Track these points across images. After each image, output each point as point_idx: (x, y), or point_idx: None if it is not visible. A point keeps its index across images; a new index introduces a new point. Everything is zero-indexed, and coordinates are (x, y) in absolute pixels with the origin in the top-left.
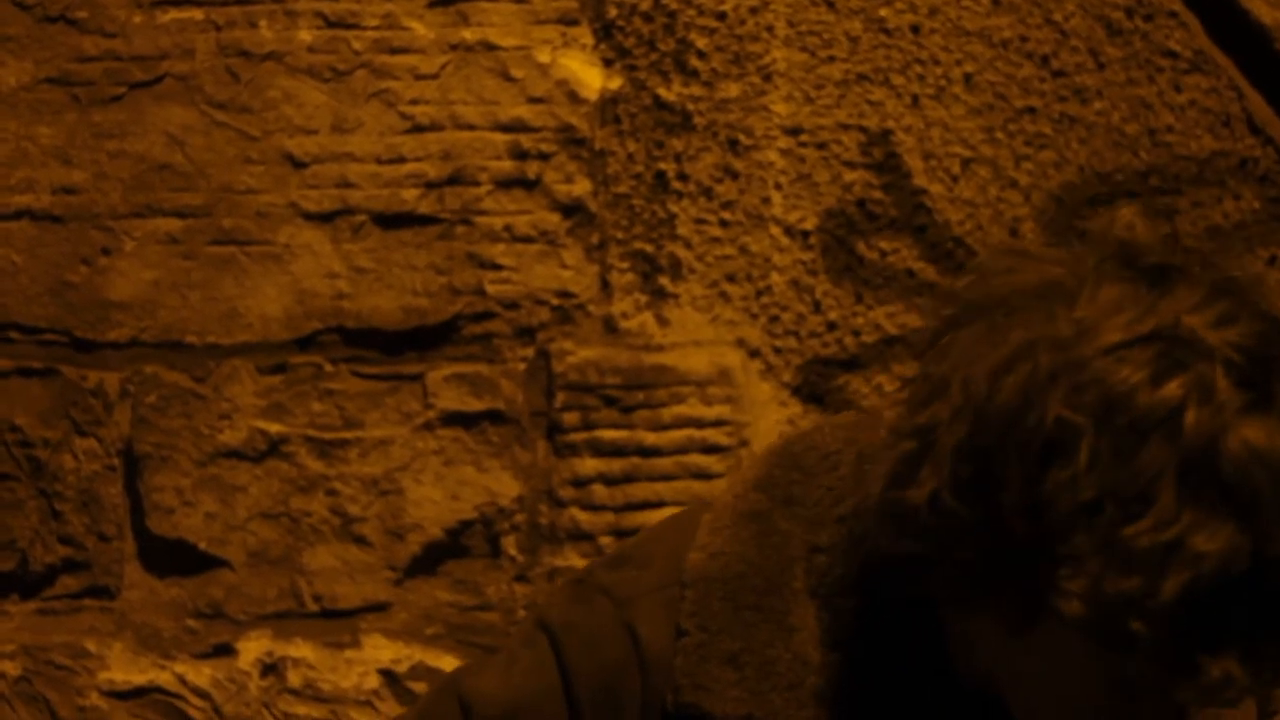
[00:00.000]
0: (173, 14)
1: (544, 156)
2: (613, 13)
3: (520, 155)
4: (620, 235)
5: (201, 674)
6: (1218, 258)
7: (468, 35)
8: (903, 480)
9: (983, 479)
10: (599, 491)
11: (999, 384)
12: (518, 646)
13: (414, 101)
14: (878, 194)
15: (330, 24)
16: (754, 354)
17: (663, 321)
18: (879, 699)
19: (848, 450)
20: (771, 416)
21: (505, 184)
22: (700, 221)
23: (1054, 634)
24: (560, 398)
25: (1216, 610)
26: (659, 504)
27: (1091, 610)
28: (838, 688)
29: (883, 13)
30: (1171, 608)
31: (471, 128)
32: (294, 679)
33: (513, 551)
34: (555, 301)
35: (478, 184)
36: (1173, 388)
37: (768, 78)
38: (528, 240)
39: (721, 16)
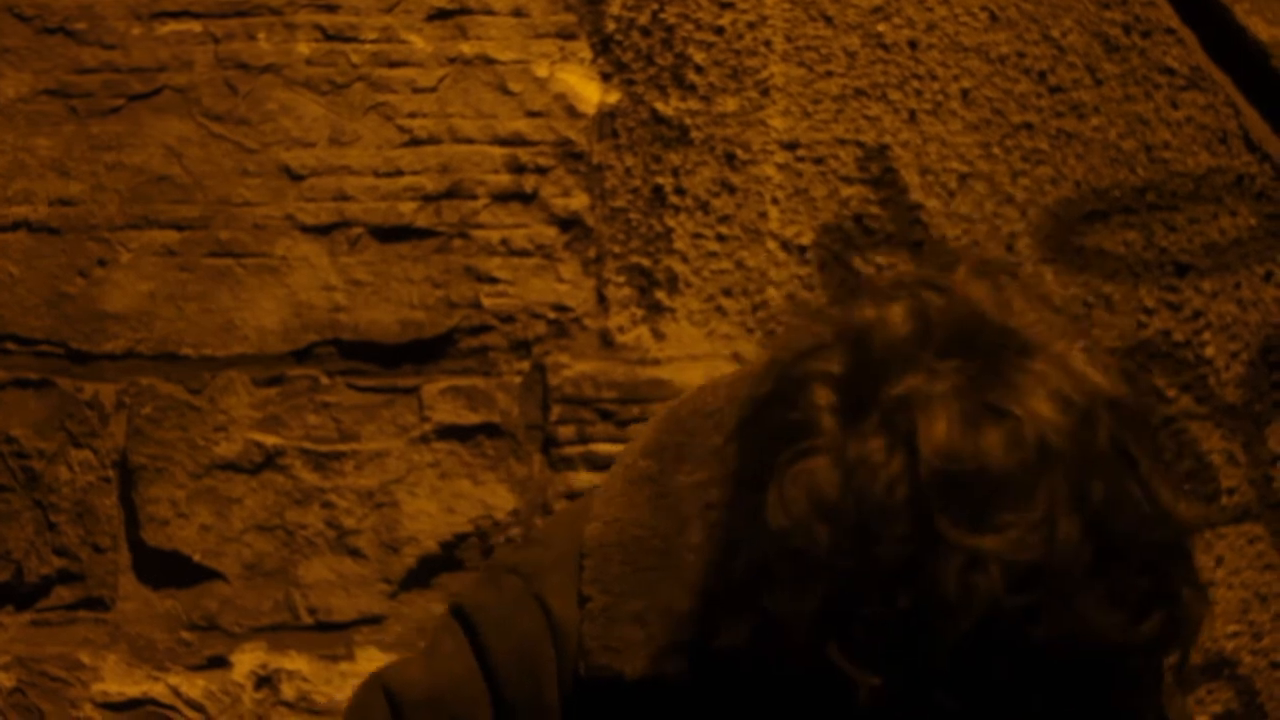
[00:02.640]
0: (171, 26)
1: (541, 170)
2: (611, 27)
3: (518, 169)
4: (617, 249)
5: (195, 686)
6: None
7: (466, 49)
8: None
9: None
10: None
11: (769, 564)
12: (438, 635)
13: (412, 115)
14: (874, 209)
15: (328, 37)
16: None
17: (659, 335)
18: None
19: (729, 407)
20: None
21: (502, 197)
22: (697, 236)
23: None
24: (556, 411)
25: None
26: None
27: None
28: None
29: (880, 28)
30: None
31: (469, 141)
32: (288, 691)
33: None
34: (551, 315)
35: (475, 197)
36: (960, 621)
37: (765, 92)
38: (524, 254)
39: (719, 31)
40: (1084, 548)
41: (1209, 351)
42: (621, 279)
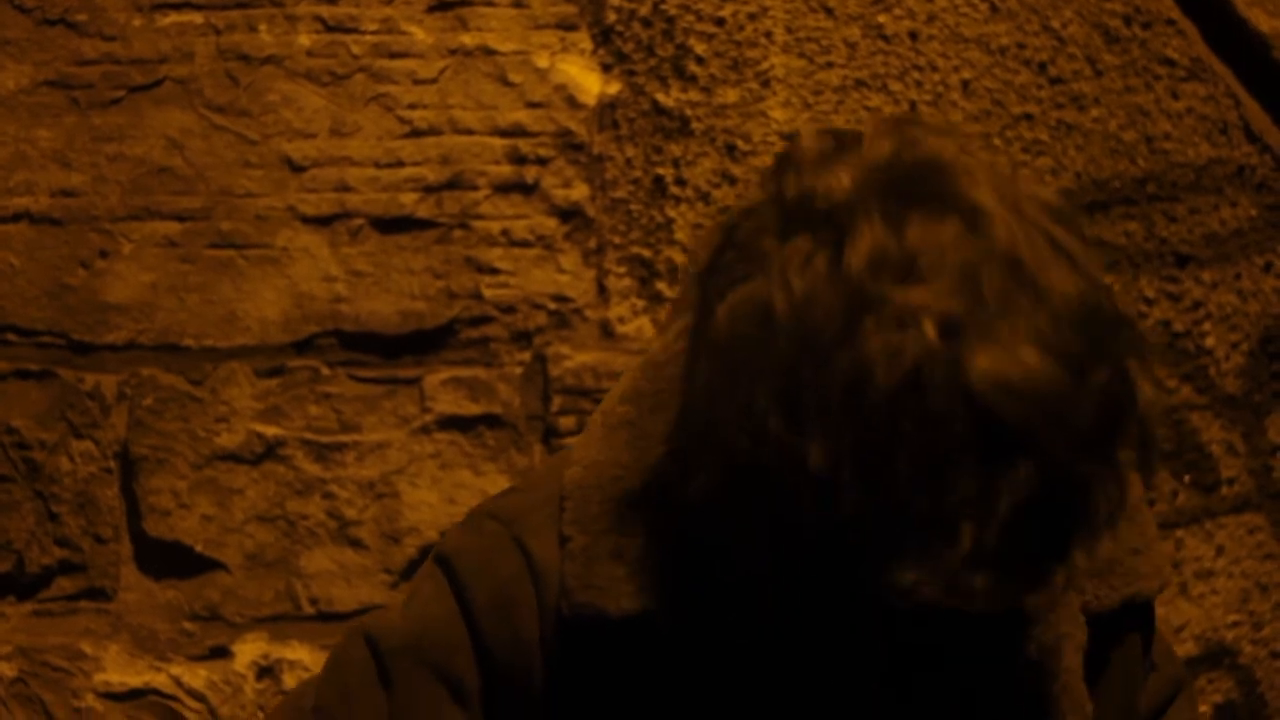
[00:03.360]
0: (172, 17)
1: (542, 161)
2: (612, 18)
3: (518, 160)
4: (618, 240)
5: (197, 676)
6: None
7: (467, 40)
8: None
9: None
10: None
11: (726, 408)
12: (418, 581)
13: (412, 106)
14: None
15: (329, 28)
16: None
17: (660, 326)
18: (771, 582)
19: None
20: None
21: (503, 188)
22: (698, 227)
23: None
24: (557, 402)
25: (1029, 537)
26: None
27: (920, 589)
28: (728, 574)
29: (881, 19)
30: (988, 556)
31: (470, 132)
32: (290, 682)
33: None
34: (552, 306)
35: (476, 188)
36: (895, 368)
37: (766, 84)
38: (525, 245)
39: (720, 22)
40: (1013, 297)
41: (1209, 342)
42: (622, 270)
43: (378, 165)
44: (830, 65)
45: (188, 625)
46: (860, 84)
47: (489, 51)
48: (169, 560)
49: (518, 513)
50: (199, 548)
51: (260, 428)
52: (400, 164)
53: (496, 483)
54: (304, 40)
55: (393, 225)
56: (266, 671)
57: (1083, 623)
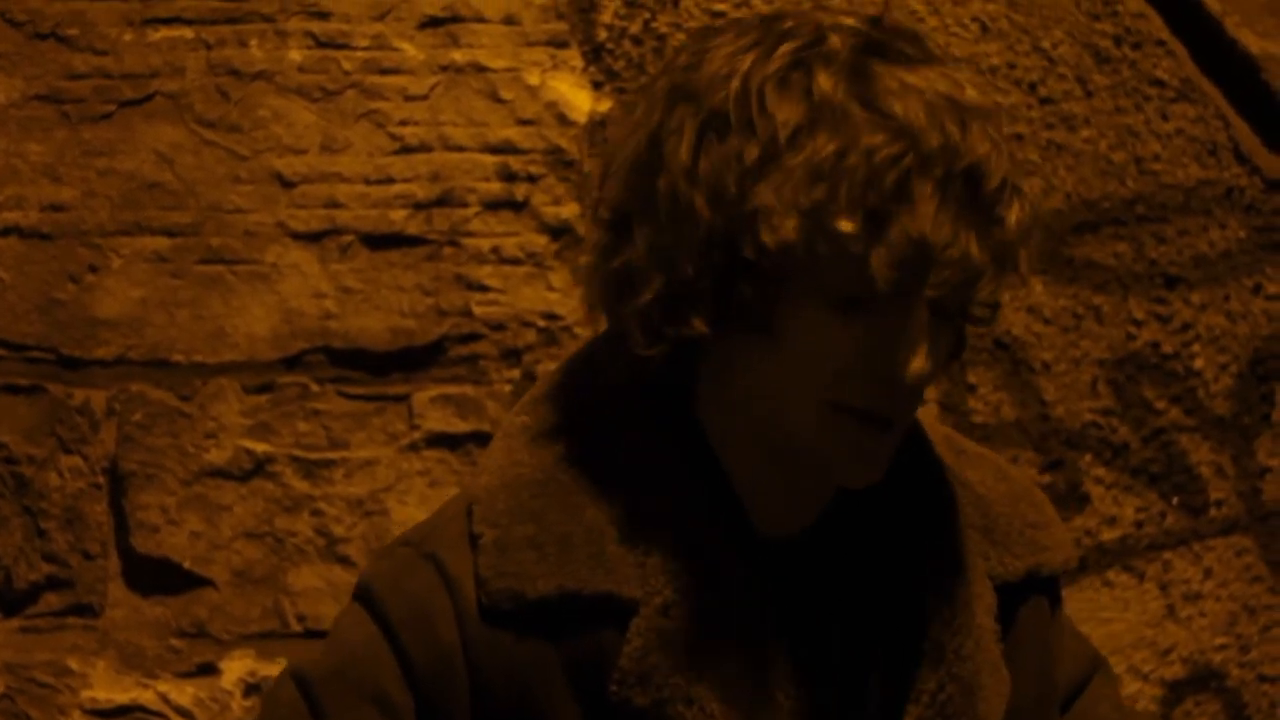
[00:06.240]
0: (163, 32)
1: (532, 178)
2: (602, 35)
3: (509, 177)
4: None
5: (184, 693)
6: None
7: (458, 57)
8: (611, 254)
9: (663, 201)
10: None
11: (641, 125)
12: (337, 618)
13: (403, 122)
14: None
15: (320, 44)
16: None
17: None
18: (675, 554)
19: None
20: None
21: (493, 205)
22: None
23: (796, 310)
24: None
25: (903, 195)
26: None
27: (799, 229)
28: (634, 548)
29: None
30: (855, 204)
31: (460, 149)
32: None
33: None
34: (542, 323)
35: (466, 205)
36: (787, 48)
37: None
38: (515, 262)
39: None
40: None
41: (1198, 364)
42: None
43: (368, 182)
44: None
45: (175, 642)
46: None
47: (480, 68)
48: (157, 577)
49: (426, 533)
50: (187, 564)
51: (249, 444)
52: (390, 180)
53: None
54: (295, 56)
55: (383, 242)
56: (254, 689)
57: (990, 585)
